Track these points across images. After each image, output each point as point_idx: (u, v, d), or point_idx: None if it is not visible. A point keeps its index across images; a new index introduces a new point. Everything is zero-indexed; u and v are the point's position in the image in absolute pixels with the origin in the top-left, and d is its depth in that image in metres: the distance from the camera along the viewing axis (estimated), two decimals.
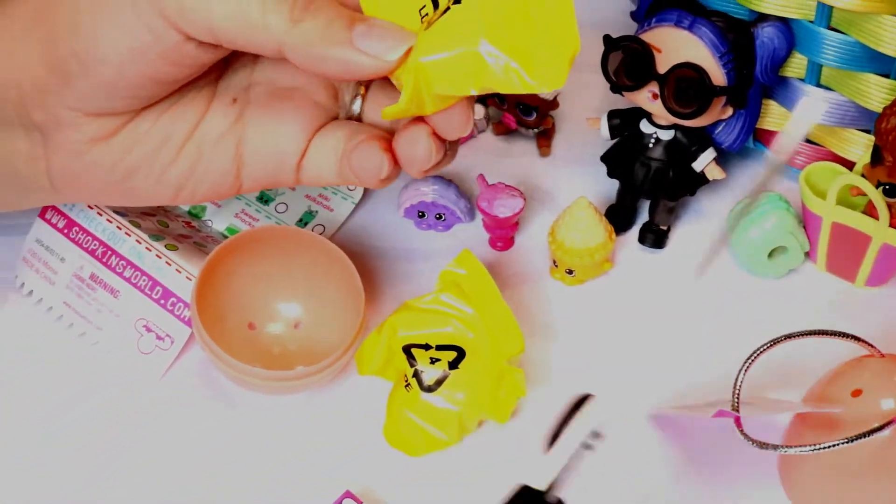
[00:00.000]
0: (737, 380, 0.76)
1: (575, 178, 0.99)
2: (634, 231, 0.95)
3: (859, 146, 0.92)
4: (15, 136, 0.70)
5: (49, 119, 0.68)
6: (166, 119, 0.70)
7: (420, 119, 0.68)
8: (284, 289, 0.88)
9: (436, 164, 0.69)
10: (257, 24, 0.61)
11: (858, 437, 0.71)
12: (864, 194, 0.85)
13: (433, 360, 0.82)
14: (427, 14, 0.62)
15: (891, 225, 0.86)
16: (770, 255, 0.91)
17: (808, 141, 0.95)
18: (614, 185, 0.95)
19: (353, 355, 0.83)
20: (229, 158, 0.72)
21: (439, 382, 0.82)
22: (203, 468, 0.82)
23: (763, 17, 0.88)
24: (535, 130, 1.00)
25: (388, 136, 0.71)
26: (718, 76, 0.86)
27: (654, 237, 0.94)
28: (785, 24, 0.88)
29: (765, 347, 0.77)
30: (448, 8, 0.63)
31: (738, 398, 0.75)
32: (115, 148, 0.69)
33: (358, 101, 0.73)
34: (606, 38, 0.89)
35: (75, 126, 0.68)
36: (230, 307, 0.86)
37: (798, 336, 0.77)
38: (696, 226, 0.96)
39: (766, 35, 0.87)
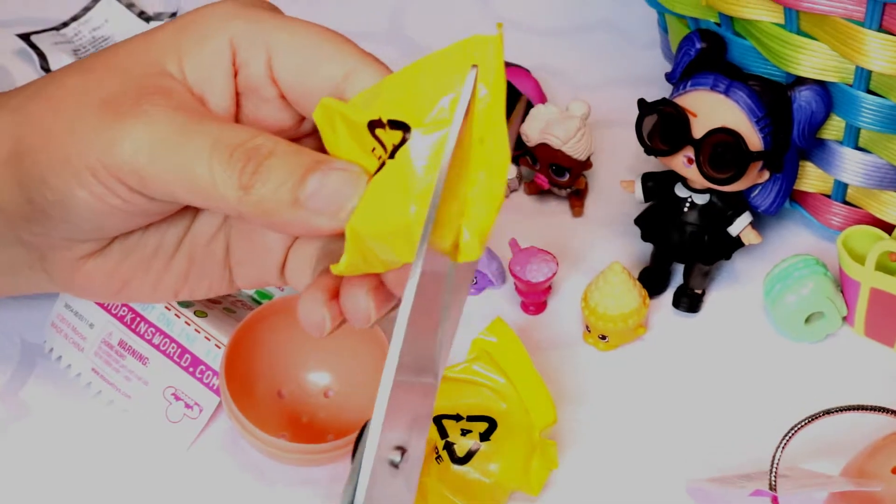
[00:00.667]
0: (774, 457, 0.74)
1: (608, 240, 0.98)
2: (668, 294, 0.93)
3: None
4: (12, 247, 0.68)
5: (39, 241, 0.67)
6: (155, 229, 0.68)
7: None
8: (314, 356, 0.87)
9: (387, 313, 0.63)
10: (212, 194, 0.58)
11: None
12: None
13: (464, 432, 0.81)
14: (380, 156, 0.56)
15: None
16: (807, 319, 0.90)
17: (846, 202, 0.93)
18: (648, 247, 0.94)
19: None
20: (220, 262, 0.69)
21: (471, 454, 0.81)
22: None
23: (800, 81, 0.86)
24: (568, 191, 0.98)
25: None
26: (755, 141, 0.85)
27: (689, 301, 0.92)
28: (822, 87, 0.86)
29: (803, 424, 0.75)
30: (384, 163, 0.56)
31: (775, 476, 0.74)
32: (108, 260, 0.67)
33: None
34: (641, 103, 0.88)
35: (65, 247, 0.66)
36: (259, 375, 0.85)
37: (837, 411, 0.76)
38: (732, 290, 0.95)
39: (804, 99, 0.86)
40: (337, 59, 0.61)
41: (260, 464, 0.84)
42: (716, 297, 0.94)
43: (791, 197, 0.96)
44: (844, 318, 0.91)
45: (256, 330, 0.84)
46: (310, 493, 0.83)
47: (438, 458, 0.81)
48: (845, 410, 0.76)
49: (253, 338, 0.84)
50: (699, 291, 0.93)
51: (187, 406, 0.84)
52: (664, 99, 0.87)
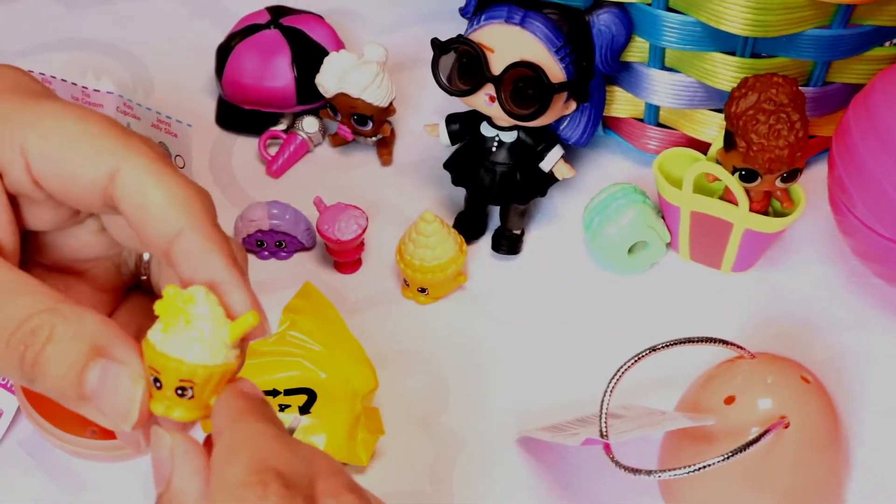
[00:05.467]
0: (602, 403, 0.71)
1: (420, 187, 0.94)
2: (487, 239, 0.90)
3: (712, 127, 0.88)
4: None
5: None
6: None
7: None
8: None
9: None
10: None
11: (734, 452, 0.67)
12: (721, 180, 0.81)
13: (282, 407, 0.77)
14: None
15: (751, 209, 0.82)
16: (630, 250, 0.87)
17: (659, 124, 0.90)
18: (462, 190, 0.90)
19: None
20: None
21: (292, 431, 0.76)
22: None
23: (598, 4, 0.83)
24: (374, 139, 0.94)
25: None
26: (556, 72, 0.81)
27: (509, 243, 0.89)
28: (622, 8, 0.83)
29: (629, 365, 0.72)
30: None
31: (605, 423, 0.71)
32: None
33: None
34: (434, 42, 0.83)
35: None
36: None
37: (663, 347, 0.73)
38: (552, 227, 0.91)
39: (603, 22, 0.83)
40: (97, 160, 0.51)
41: (69, 463, 0.79)
42: (536, 237, 0.91)
43: (604, 124, 0.93)
44: (668, 245, 0.88)
45: None
46: (127, 487, 0.78)
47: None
48: (671, 345, 0.73)
49: None
50: (518, 232, 0.89)
51: None
52: (459, 36, 0.83)
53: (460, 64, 0.83)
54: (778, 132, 0.76)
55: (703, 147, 0.86)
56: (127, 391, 0.48)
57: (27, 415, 0.75)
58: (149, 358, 0.47)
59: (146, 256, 0.57)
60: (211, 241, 0.49)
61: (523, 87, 0.81)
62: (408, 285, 0.86)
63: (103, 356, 0.48)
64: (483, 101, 0.83)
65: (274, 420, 0.47)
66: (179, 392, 0.47)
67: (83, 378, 0.48)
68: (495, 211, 0.90)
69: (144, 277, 0.58)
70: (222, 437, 0.45)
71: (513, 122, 0.83)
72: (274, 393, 0.77)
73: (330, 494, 0.45)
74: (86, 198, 0.51)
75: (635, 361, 0.72)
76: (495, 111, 0.83)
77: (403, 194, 0.93)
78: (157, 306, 0.47)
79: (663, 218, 0.87)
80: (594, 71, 0.84)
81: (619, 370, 0.72)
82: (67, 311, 0.48)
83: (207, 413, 0.48)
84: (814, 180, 0.88)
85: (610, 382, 0.72)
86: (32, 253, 0.56)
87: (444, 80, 0.84)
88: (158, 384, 0.47)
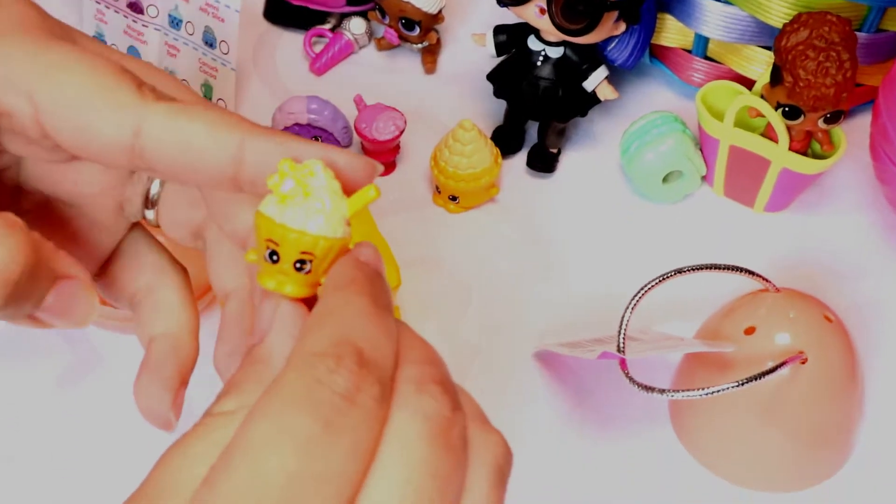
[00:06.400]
0: (623, 319, 0.71)
1: (461, 97, 0.93)
2: (522, 154, 0.90)
3: (760, 64, 0.87)
4: None
5: None
6: None
7: None
8: None
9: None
10: None
11: (748, 380, 0.67)
12: (764, 116, 0.81)
13: None
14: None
15: (791, 148, 0.81)
16: (665, 179, 0.86)
17: (706, 57, 0.90)
18: (502, 105, 0.89)
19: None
20: None
21: None
22: None
23: None
24: (420, 46, 0.94)
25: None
26: None
27: (544, 161, 0.88)
28: None
29: (653, 284, 0.72)
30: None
31: (623, 339, 0.71)
32: None
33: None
34: None
35: None
36: None
37: (689, 271, 0.72)
38: (588, 149, 0.91)
39: None
40: (118, 117, 0.47)
41: (88, 333, 0.79)
42: (571, 157, 0.90)
43: (650, 52, 0.93)
44: (704, 178, 0.88)
45: None
46: None
47: None
48: (697, 270, 0.73)
49: None
50: (554, 151, 0.89)
51: None
52: None
53: None
54: (826, 70, 0.76)
55: (748, 83, 0.85)
56: (82, 295, 0.49)
57: None
58: (266, 230, 0.45)
59: (154, 190, 0.54)
60: (281, 135, 0.47)
61: (574, 1, 0.80)
62: (439, 192, 0.86)
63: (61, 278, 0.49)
64: (533, 12, 0.82)
65: (376, 294, 0.45)
66: (298, 266, 0.45)
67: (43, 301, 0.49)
68: (533, 128, 0.90)
69: (152, 214, 0.55)
70: (317, 305, 0.45)
71: (561, 36, 0.83)
72: None
73: (414, 381, 0.43)
74: (108, 156, 0.48)
75: (660, 281, 0.72)
76: (544, 24, 0.82)
77: (444, 103, 0.93)
78: (271, 179, 0.45)
79: (701, 150, 0.86)
80: None
81: (642, 288, 0.72)
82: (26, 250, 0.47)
83: (316, 290, 0.46)
84: (856, 130, 0.87)
85: (632, 299, 0.71)
86: (22, 180, 0.53)
87: None
88: (276, 257, 0.45)
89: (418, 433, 0.41)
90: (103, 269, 0.55)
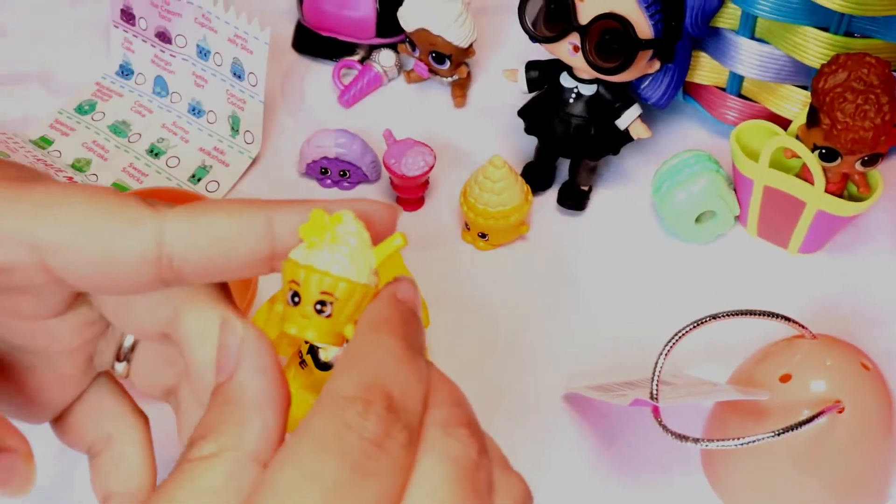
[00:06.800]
0: (656, 364, 0.70)
1: (491, 133, 0.92)
2: (553, 192, 0.88)
3: (796, 104, 0.86)
4: None
5: None
6: None
7: None
8: None
9: None
10: None
11: (785, 430, 0.65)
12: (799, 157, 0.79)
13: None
14: None
15: (827, 190, 0.80)
16: (698, 219, 0.85)
17: (741, 96, 0.89)
18: (533, 141, 0.88)
19: None
20: None
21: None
22: None
23: None
24: (450, 80, 0.93)
25: None
26: (644, 28, 0.79)
27: (575, 198, 0.87)
28: None
29: (687, 329, 0.70)
30: None
31: (657, 386, 0.69)
32: None
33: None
34: None
35: None
36: None
37: (724, 316, 0.71)
38: (620, 187, 0.90)
39: None
40: (137, 230, 0.45)
41: None
42: (603, 195, 0.89)
43: (684, 90, 0.91)
44: (737, 219, 0.87)
45: None
46: None
47: (303, 363, 0.76)
48: (733, 315, 0.71)
49: None
50: (585, 188, 0.88)
51: None
52: None
53: (548, 9, 0.81)
54: (865, 113, 0.74)
55: (783, 123, 0.84)
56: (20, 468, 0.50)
57: None
58: (290, 272, 0.45)
59: (127, 343, 0.52)
60: (305, 202, 0.46)
61: (609, 39, 0.79)
62: (468, 229, 0.85)
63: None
64: (567, 49, 0.81)
65: (410, 336, 0.44)
66: (318, 307, 0.45)
67: None
68: (564, 165, 0.89)
69: (122, 367, 0.52)
70: (350, 345, 0.44)
71: (594, 74, 0.82)
72: None
73: (441, 424, 0.42)
74: (134, 277, 0.45)
75: (694, 327, 0.70)
76: (578, 62, 0.81)
77: (473, 139, 0.92)
78: (302, 228, 0.45)
79: (735, 190, 0.85)
80: (682, 32, 0.82)
81: (676, 334, 0.70)
82: None
83: (340, 341, 0.45)
84: (893, 170, 0.86)
85: (666, 345, 0.70)
86: None
87: (529, 25, 0.82)
88: (297, 298, 0.45)
89: (445, 476, 0.41)
90: (61, 414, 0.53)
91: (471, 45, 0.90)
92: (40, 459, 0.51)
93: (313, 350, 0.75)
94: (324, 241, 0.45)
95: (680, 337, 0.70)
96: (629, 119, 0.84)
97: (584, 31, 0.79)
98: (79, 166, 0.88)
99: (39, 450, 0.51)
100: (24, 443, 0.50)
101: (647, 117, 0.86)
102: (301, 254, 0.45)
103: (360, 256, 0.45)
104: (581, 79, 0.84)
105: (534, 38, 0.83)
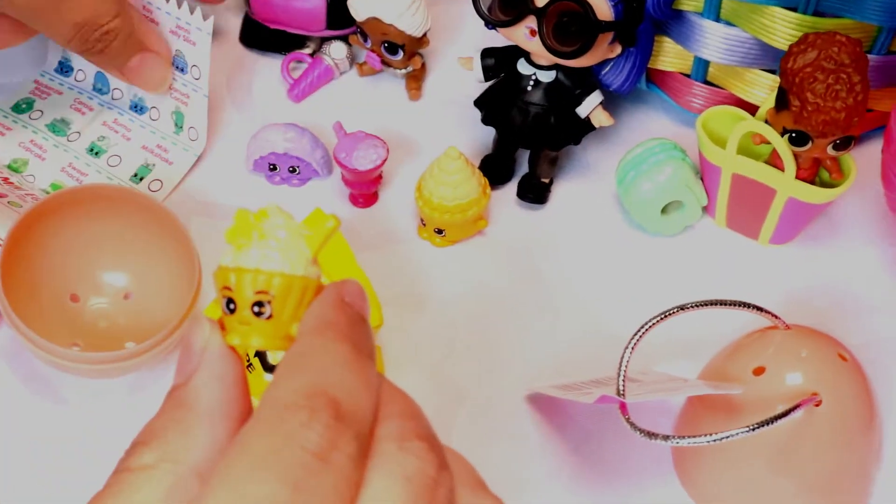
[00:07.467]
0: (622, 360, 0.66)
1: (447, 125, 0.89)
2: (512, 185, 0.85)
3: (763, 88, 0.83)
4: None
5: None
6: None
7: None
8: (112, 256, 0.77)
9: None
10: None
11: (760, 424, 0.62)
12: (768, 142, 0.76)
13: None
14: None
15: (798, 177, 0.77)
16: (664, 210, 0.82)
17: (707, 82, 0.85)
18: (490, 132, 0.85)
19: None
20: None
21: None
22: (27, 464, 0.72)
23: None
24: (404, 71, 0.89)
25: None
26: (604, 10, 0.76)
27: (535, 191, 0.84)
28: None
29: (654, 322, 0.67)
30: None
31: (623, 382, 0.66)
32: None
33: None
34: None
35: None
36: (47, 277, 0.75)
37: (693, 307, 0.68)
38: (582, 179, 0.86)
39: None
40: None
41: (49, 376, 0.74)
42: (564, 188, 0.86)
43: (647, 77, 0.88)
44: (705, 209, 0.83)
45: (43, 225, 0.74)
46: (106, 407, 0.74)
47: (250, 366, 0.72)
48: (702, 306, 0.68)
49: (39, 233, 0.74)
50: (546, 181, 0.84)
51: None
52: None
53: None
54: (836, 93, 0.71)
55: (751, 109, 0.81)
56: (160, 66, 0.82)
57: (7, 319, 0.71)
58: (220, 280, 0.42)
59: None
60: None
61: (567, 22, 0.76)
62: (424, 225, 0.82)
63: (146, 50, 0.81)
64: (523, 34, 0.78)
65: (357, 340, 0.41)
66: (256, 310, 0.42)
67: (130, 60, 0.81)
68: (523, 157, 0.85)
69: None
70: (290, 349, 0.40)
71: (553, 60, 0.78)
72: None
73: (394, 438, 0.39)
74: None
75: (662, 319, 0.67)
76: (535, 46, 0.78)
77: (429, 132, 0.88)
78: (228, 232, 0.42)
79: (702, 179, 0.81)
80: (644, 14, 0.79)
81: (643, 326, 0.67)
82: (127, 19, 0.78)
83: (288, 344, 0.42)
84: (866, 157, 0.83)
85: (633, 338, 0.66)
86: None
87: (484, 9, 0.79)
88: (232, 305, 0.42)
89: (400, 496, 0.37)
90: None
91: (424, 35, 0.87)
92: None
93: (260, 353, 0.72)
94: (251, 240, 0.42)
95: (647, 329, 0.67)
96: (590, 106, 0.81)
97: (540, 13, 0.76)
98: (15, 167, 0.84)
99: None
100: (166, 48, 0.83)
101: (608, 107, 0.82)
102: (229, 258, 0.42)
103: (293, 248, 0.42)
104: (539, 65, 0.80)
105: (489, 23, 0.79)
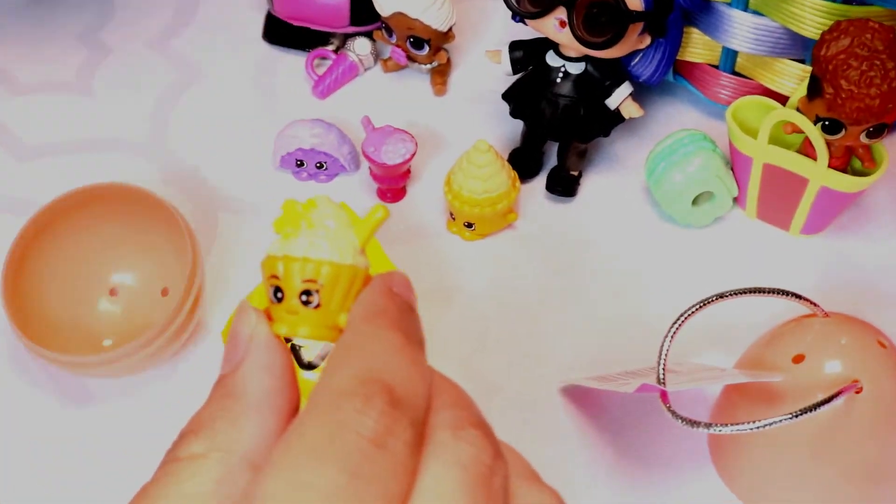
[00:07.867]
0: (661, 349, 0.65)
1: (474, 118, 0.88)
2: (542, 178, 0.84)
3: (792, 78, 0.82)
4: None
5: None
6: None
7: None
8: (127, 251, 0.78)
9: None
10: None
11: (803, 411, 0.61)
12: (800, 132, 0.75)
13: None
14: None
15: (830, 165, 0.76)
16: (695, 201, 0.81)
17: (736, 73, 0.85)
18: (518, 126, 0.84)
19: (176, 329, 0.72)
20: None
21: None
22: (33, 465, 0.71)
23: None
24: (429, 66, 0.88)
25: None
26: (635, 0, 0.75)
27: (564, 184, 0.83)
28: None
29: (692, 311, 0.66)
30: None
31: (664, 370, 0.65)
32: None
33: None
34: None
35: None
36: (78, 270, 0.76)
37: (731, 295, 0.67)
38: (612, 171, 0.86)
39: None
40: None
41: (49, 377, 0.74)
42: (594, 180, 0.85)
43: (675, 69, 0.87)
44: (735, 200, 0.82)
45: (56, 221, 0.75)
46: (106, 407, 0.73)
47: None
48: (740, 294, 0.67)
49: (53, 229, 0.75)
50: (575, 173, 0.84)
51: None
52: None
53: None
54: (870, 79, 0.71)
55: (779, 99, 0.80)
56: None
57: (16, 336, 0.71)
58: (268, 269, 0.42)
59: None
60: None
61: (597, 13, 0.75)
62: (454, 219, 0.81)
63: None
64: (553, 25, 0.77)
65: (408, 330, 0.40)
66: (304, 298, 0.41)
67: None
68: (552, 150, 0.85)
69: None
70: (342, 337, 0.40)
71: (582, 51, 0.78)
72: None
73: (449, 426, 0.38)
74: None
75: (701, 307, 0.66)
76: (565, 38, 0.77)
77: (455, 127, 0.88)
78: (276, 222, 0.42)
79: (732, 170, 0.81)
80: (674, 5, 0.78)
81: (682, 315, 0.66)
82: None
83: (335, 334, 0.42)
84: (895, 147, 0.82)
85: (672, 327, 0.66)
86: None
87: (514, 1, 0.78)
88: (280, 294, 0.41)
89: (456, 484, 0.36)
90: None
91: (450, 29, 0.86)
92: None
93: (294, 348, 0.71)
94: (300, 229, 0.42)
95: (686, 317, 0.66)
96: (620, 97, 0.80)
97: (571, 4, 0.75)
98: None
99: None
100: None
101: (637, 97, 0.82)
102: (277, 247, 0.42)
103: (341, 237, 0.42)
104: (568, 57, 0.80)
105: (518, 15, 0.79)
